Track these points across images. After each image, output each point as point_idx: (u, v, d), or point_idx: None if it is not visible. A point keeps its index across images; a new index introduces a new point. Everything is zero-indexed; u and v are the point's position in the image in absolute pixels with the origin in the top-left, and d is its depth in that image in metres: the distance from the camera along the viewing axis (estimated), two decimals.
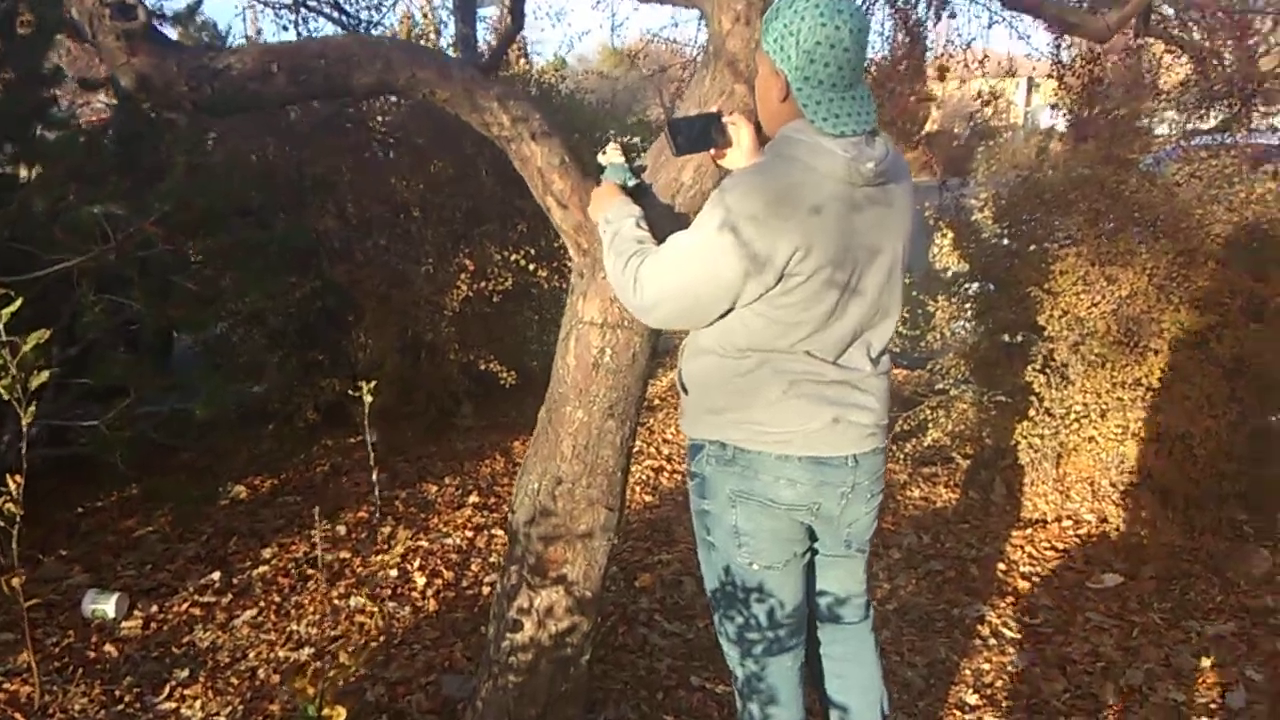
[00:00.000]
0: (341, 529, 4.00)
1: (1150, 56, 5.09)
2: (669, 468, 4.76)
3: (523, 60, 7.67)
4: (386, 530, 3.98)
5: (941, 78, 5.65)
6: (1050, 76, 5.13)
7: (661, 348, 6.70)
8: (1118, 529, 3.68)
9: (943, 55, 5.75)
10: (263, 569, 3.61)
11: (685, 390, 1.99)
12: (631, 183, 2.18)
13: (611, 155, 2.21)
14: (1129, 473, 3.68)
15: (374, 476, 4.11)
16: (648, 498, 4.38)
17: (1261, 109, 4.58)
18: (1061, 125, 5.65)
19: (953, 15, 4.89)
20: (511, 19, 2.74)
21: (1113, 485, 3.78)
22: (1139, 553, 3.50)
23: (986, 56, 5.88)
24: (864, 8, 5.07)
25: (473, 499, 4.35)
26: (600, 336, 2.25)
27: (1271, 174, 3.79)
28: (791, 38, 1.70)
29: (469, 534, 3.97)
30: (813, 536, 2.01)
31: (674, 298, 1.81)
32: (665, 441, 5.16)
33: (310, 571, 3.57)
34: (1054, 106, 5.12)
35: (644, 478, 4.60)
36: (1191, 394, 3.38)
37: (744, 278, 1.71)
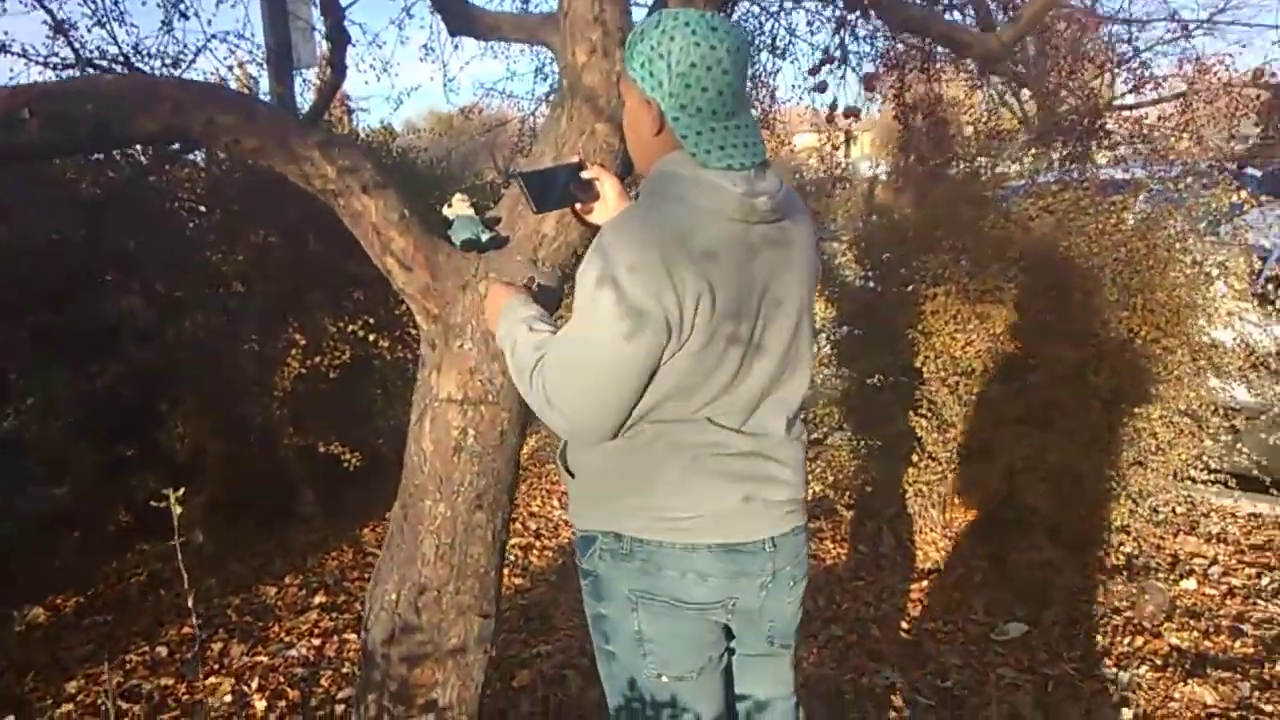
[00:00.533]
0: (163, 650, 3.45)
1: (991, 95, 5.19)
2: (539, 544, 4.40)
3: (347, 119, 7.25)
4: (217, 647, 3.46)
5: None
6: (895, 119, 5.12)
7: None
8: (1014, 573, 3.55)
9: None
10: (67, 708, 3.03)
11: (570, 474, 1.68)
12: (485, 236, 1.89)
13: (458, 207, 1.91)
14: (1018, 512, 3.56)
15: (186, 585, 3.57)
16: (518, 580, 4.00)
17: (1106, 144, 4.68)
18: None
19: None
20: (332, 70, 2.41)
21: (1003, 527, 3.66)
22: (1039, 597, 3.37)
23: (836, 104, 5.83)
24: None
25: (319, 599, 3.87)
26: (460, 415, 1.92)
27: (1121, 205, 3.81)
28: (661, 60, 1.44)
29: (316, 642, 3.50)
30: (729, 635, 1.71)
31: (593, 399, 1.50)
32: (532, 515, 4.79)
33: (126, 706, 3.02)
34: (903, 149, 5.10)
35: (512, 558, 4.22)
36: (1077, 430, 3.30)
37: (635, 336, 1.42)
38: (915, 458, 3.70)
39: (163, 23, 3.63)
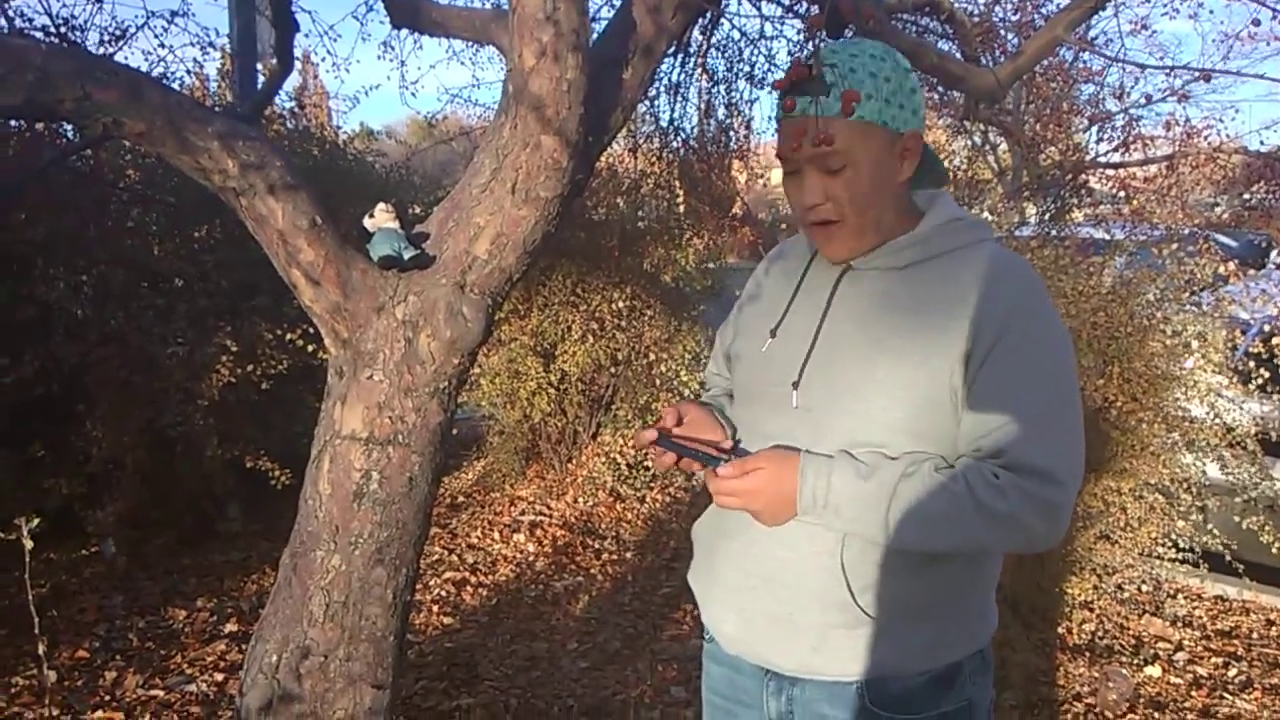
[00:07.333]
0: (53, 674, 3.15)
1: (971, 143, 5.05)
2: (474, 580, 4.13)
3: (327, 121, 7.03)
4: (111, 675, 3.18)
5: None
6: None
7: (471, 435, 5.94)
8: None
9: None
10: None
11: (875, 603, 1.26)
12: (407, 253, 1.67)
13: (381, 218, 1.69)
14: None
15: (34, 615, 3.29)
16: (446, 619, 3.73)
17: (1088, 201, 4.55)
18: None
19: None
20: (279, 61, 2.18)
21: None
22: (997, 677, 3.15)
23: None
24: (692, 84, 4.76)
25: (230, 628, 3.59)
26: (365, 456, 1.69)
27: (1099, 266, 3.65)
28: (908, 83, 1.30)
29: (219, 676, 3.22)
30: None
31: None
32: (470, 548, 4.52)
33: None
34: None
35: (443, 594, 3.95)
36: None
37: None
38: None
39: None
